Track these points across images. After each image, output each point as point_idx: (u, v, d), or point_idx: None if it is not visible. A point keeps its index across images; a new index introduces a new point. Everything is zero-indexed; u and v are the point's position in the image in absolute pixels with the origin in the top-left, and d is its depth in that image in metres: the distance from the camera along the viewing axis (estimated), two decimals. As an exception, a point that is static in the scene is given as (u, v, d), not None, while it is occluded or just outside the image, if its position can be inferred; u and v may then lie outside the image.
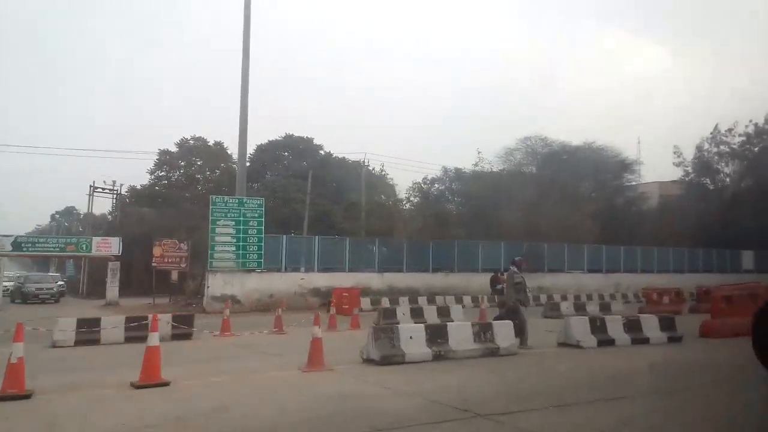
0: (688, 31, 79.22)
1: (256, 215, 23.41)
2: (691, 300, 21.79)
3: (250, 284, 23.17)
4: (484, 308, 16.52)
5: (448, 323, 9.57)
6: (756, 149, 41.93)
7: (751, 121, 41.23)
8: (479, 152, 52.70)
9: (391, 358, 7.96)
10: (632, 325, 10.57)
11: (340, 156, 46.71)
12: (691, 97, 76.35)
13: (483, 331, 8.93)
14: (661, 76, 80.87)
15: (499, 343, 8.90)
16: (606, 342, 10.08)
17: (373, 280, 26.09)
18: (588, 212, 35.73)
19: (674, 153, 46.08)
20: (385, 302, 22.43)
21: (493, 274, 29.29)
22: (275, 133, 54.53)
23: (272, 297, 23.09)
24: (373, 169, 44.95)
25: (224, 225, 22.73)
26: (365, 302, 22.24)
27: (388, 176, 46.80)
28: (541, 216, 33.69)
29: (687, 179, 46.16)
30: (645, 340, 10.47)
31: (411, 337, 8.18)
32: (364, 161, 42.33)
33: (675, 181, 47.05)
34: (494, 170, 40.83)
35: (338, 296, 20.42)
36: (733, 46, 78.03)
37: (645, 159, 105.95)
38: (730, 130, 42.71)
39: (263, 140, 46.01)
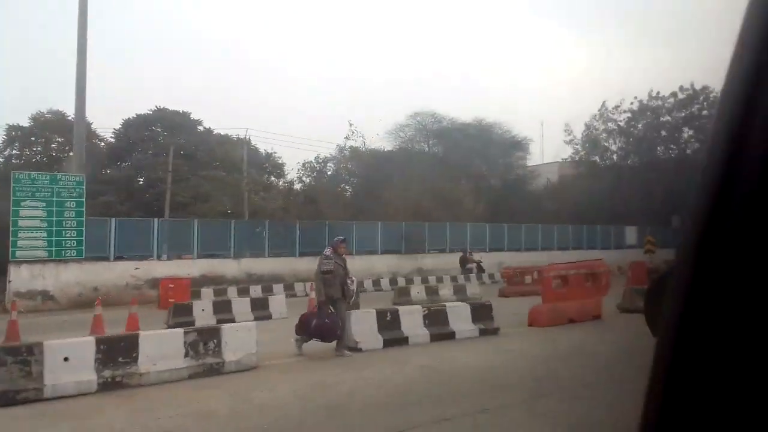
0: (593, 15, 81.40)
1: (75, 195, 19.74)
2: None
3: (67, 276, 19.54)
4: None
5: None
6: (639, 125, 42.49)
7: (636, 97, 41.67)
8: (351, 124, 47.56)
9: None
10: (435, 317, 8.52)
11: (223, 132, 43.01)
12: (594, 77, 78.31)
13: (204, 340, 6.43)
14: (564, 57, 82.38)
15: (226, 357, 6.48)
16: (396, 341, 7.99)
17: (229, 266, 23.17)
18: (476, 191, 34.48)
19: (565, 131, 46.15)
20: (232, 292, 19.66)
21: (462, 254, 28.05)
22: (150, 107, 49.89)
23: (97, 291, 19.65)
24: (265, 150, 41.80)
25: (31, 206, 18.92)
26: (207, 293, 19.35)
27: (276, 155, 43.73)
28: (427, 194, 31.98)
29: (576, 157, 46.39)
30: (449, 335, 8.50)
31: (67, 359, 5.52)
32: (246, 137, 38.96)
33: (569, 160, 47.24)
34: (386, 148, 38.82)
35: (164, 288, 17.40)
36: (631, 27, 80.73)
37: (548, 140, 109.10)
38: (617, 107, 43.02)
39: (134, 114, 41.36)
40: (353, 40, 76.94)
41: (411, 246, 28.14)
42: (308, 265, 24.98)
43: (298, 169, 41.85)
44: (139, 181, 38.72)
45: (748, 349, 0.56)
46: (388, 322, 7.99)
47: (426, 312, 8.41)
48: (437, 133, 39.05)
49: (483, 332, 8.72)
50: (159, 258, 21.70)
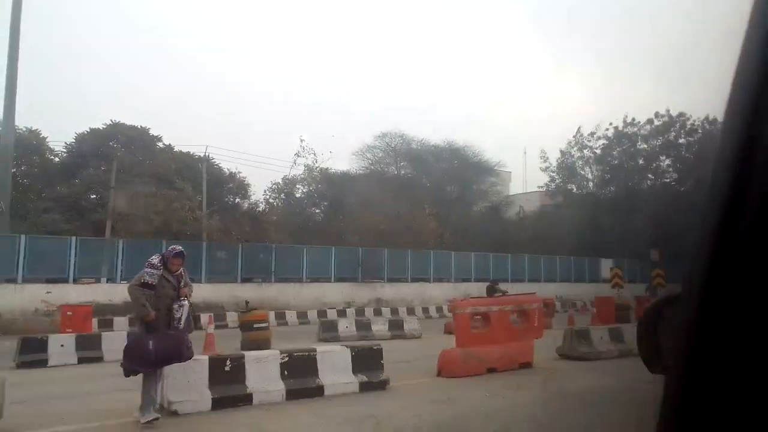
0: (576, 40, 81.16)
1: (-26, 208, 17.71)
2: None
3: (-41, 301, 17.36)
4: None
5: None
6: (615, 153, 41.22)
7: (611, 124, 40.50)
8: (302, 140, 44.11)
9: None
10: (298, 366, 6.53)
11: (185, 150, 41.12)
12: (577, 104, 77.81)
13: None
14: (546, 83, 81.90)
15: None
16: (234, 399, 5.98)
17: (157, 292, 21.02)
18: (444, 217, 32.71)
19: (540, 158, 44.82)
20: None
21: (489, 284, 26.35)
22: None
23: (0, 317, 17.47)
24: (228, 170, 39.89)
25: None
26: (121, 322, 17.20)
27: (241, 174, 41.81)
28: (391, 220, 30.13)
29: (552, 185, 44.98)
30: (315, 391, 6.50)
31: None
32: (206, 154, 37.06)
33: (545, 188, 45.79)
34: (351, 171, 37.11)
35: (63, 316, 15.24)
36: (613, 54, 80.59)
37: (532, 169, 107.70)
38: (592, 133, 41.83)
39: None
40: (325, 62, 75.86)
41: (369, 273, 26.16)
42: (252, 292, 22.96)
43: (265, 190, 40.08)
44: (91, 197, 36.57)
45: (760, 380, 0.54)
46: (227, 374, 5.97)
47: (285, 359, 6.39)
48: (407, 155, 37.49)
49: (365, 386, 6.71)
50: (75, 281, 19.55)
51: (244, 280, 23.31)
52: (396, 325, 15.23)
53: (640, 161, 41.48)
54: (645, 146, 40.07)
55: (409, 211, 29.57)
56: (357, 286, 25.54)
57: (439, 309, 25.16)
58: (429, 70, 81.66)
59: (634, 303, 20.40)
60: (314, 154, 30.00)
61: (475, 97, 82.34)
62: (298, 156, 30.41)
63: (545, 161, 44.76)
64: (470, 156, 38.77)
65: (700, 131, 39.12)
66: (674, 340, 0.65)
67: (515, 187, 55.47)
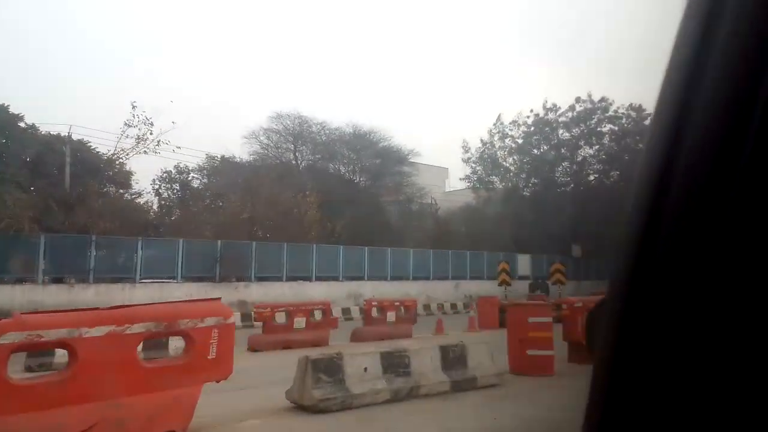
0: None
1: None
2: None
3: None
4: None
5: None
6: (534, 140, 38.38)
7: (531, 110, 37.67)
8: (134, 106, 28.31)
9: None
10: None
11: (55, 132, 35.61)
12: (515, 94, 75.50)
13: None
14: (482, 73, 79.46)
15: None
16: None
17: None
18: (335, 207, 28.74)
19: (462, 148, 41.65)
20: None
21: (532, 282, 26.87)
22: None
23: None
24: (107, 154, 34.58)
25: None
26: None
27: (121, 160, 36.62)
28: (269, 210, 25.91)
29: (475, 177, 41.88)
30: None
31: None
32: (69, 134, 31.78)
33: (466, 180, 42.66)
34: (242, 156, 32.67)
35: None
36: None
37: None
38: (514, 121, 38.89)
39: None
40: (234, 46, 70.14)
41: (230, 271, 21.91)
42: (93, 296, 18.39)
43: (154, 180, 35.09)
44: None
45: (678, 370, 0.58)
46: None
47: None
48: (309, 140, 33.37)
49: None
50: None
51: (56, 280, 18.66)
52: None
53: (563, 150, 38.86)
54: (567, 135, 37.42)
55: (290, 200, 25.48)
56: (213, 287, 21.23)
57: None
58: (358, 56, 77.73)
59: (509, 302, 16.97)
60: (150, 124, 25.36)
61: (408, 88, 78.92)
62: (129, 126, 25.67)
63: (467, 152, 41.69)
64: (377, 141, 34.97)
65: (624, 119, 36.79)
66: (601, 332, 0.67)
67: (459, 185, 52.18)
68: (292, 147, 33.05)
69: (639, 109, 35.78)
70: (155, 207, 33.27)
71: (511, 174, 40.72)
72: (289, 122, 32.64)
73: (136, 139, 25.29)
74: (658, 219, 0.60)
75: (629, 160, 38.98)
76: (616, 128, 36.65)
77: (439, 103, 78.29)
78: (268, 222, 24.45)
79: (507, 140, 39.68)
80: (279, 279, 23.49)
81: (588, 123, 36.31)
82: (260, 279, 22.88)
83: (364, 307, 13.08)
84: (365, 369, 5.80)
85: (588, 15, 69.19)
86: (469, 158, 41.52)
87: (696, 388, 0.55)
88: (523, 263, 34.34)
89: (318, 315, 12.54)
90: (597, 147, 37.66)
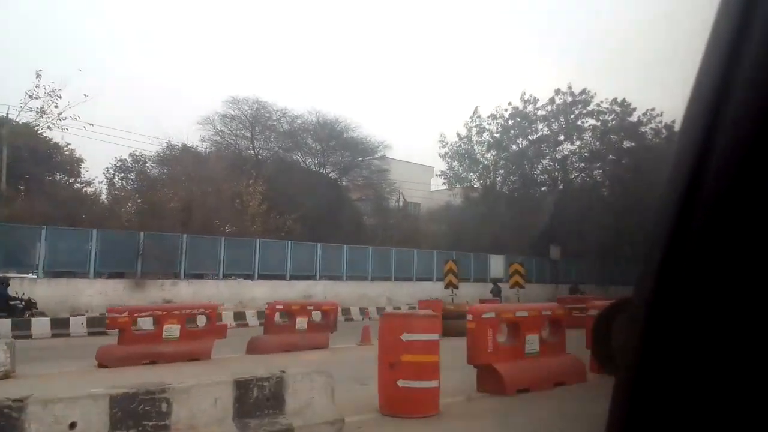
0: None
1: None
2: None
3: None
4: None
5: None
6: (510, 134, 36.06)
7: (510, 103, 35.37)
8: (38, 75, 24.46)
9: None
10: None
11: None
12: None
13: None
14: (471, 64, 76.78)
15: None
16: None
17: None
18: (292, 201, 26.40)
19: (439, 142, 39.31)
20: None
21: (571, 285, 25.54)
22: None
23: None
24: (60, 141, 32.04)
25: None
26: None
27: (69, 146, 34.03)
28: (211, 200, 23.56)
29: (450, 173, 39.55)
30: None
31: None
32: (6, 116, 29.24)
33: (441, 176, 40.35)
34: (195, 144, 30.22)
35: None
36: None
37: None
38: (493, 115, 36.59)
39: None
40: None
41: (154, 267, 19.53)
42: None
43: (107, 168, 32.58)
44: None
45: (708, 383, 0.56)
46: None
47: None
48: (272, 128, 30.96)
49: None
50: None
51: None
52: None
53: (543, 147, 36.61)
54: (546, 131, 35.14)
55: (232, 189, 23.11)
56: (133, 286, 18.82)
57: (261, 314, 18.86)
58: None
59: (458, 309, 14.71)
60: (57, 97, 22.90)
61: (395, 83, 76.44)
62: (32, 97, 23.19)
63: (443, 146, 39.34)
64: (343, 131, 32.61)
65: (607, 114, 34.58)
66: (624, 342, 0.66)
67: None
68: (248, 134, 30.62)
69: (623, 104, 33.64)
70: (104, 197, 30.93)
71: (489, 171, 38.43)
72: (246, 107, 30.26)
73: (37, 111, 22.69)
74: (688, 222, 0.58)
75: (614, 160, 36.86)
76: (599, 124, 34.44)
77: (415, 96, 75.27)
78: (207, 213, 22.03)
79: (485, 135, 37.39)
80: (215, 276, 21.13)
81: (568, 117, 34.08)
82: (193, 276, 20.50)
83: (266, 311, 10.78)
84: (72, 425, 3.52)
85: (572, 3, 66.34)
86: (445, 153, 39.21)
87: (733, 399, 0.53)
88: (497, 265, 32.06)
89: (203, 321, 10.21)
90: (578, 143, 35.46)
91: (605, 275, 38.00)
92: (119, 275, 19.34)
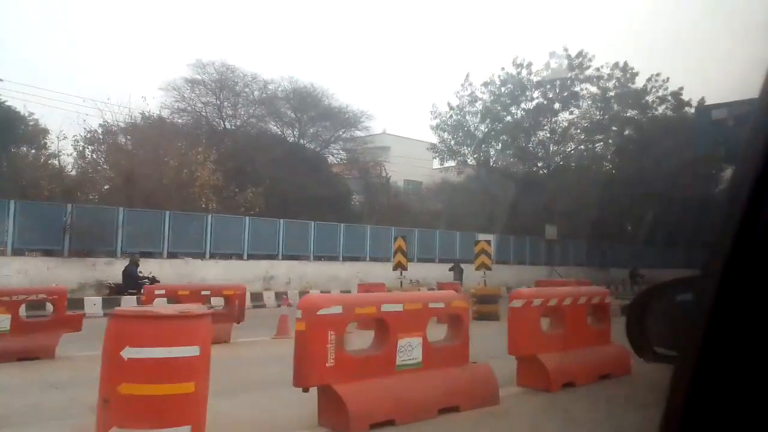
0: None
1: None
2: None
3: None
4: None
5: None
6: (506, 102, 33.26)
7: (503, 69, 32.53)
8: None
9: None
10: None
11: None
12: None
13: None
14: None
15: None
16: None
17: None
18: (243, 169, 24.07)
19: (431, 113, 36.62)
20: None
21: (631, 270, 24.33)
22: None
23: None
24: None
25: None
26: None
27: (33, 115, 31.78)
28: (157, 171, 21.27)
29: (443, 147, 36.90)
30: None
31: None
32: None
33: (430, 149, 37.70)
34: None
35: None
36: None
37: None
38: (486, 83, 33.80)
39: None
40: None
41: (83, 243, 17.38)
42: None
43: (76, 139, 30.33)
44: None
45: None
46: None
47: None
48: (232, 92, 28.44)
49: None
50: None
51: None
52: None
53: (541, 119, 33.85)
54: (542, 98, 32.32)
55: (180, 158, 20.79)
56: (60, 263, 16.71)
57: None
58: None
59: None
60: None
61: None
62: None
63: (435, 117, 36.65)
64: (321, 99, 30.07)
65: (607, 80, 31.68)
66: (679, 328, 0.67)
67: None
68: (215, 101, 28.16)
69: (625, 69, 30.72)
70: (71, 169, 28.76)
71: (483, 144, 35.77)
72: (213, 71, 27.77)
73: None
74: (758, 210, 0.57)
75: (617, 131, 34.10)
76: (598, 91, 31.58)
77: (405, 64, 71.30)
78: (149, 185, 19.75)
79: (478, 104, 34.65)
80: (159, 255, 18.94)
81: (566, 83, 31.25)
82: (131, 255, 18.31)
83: (141, 297, 8.58)
84: None
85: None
86: (437, 126, 36.53)
87: None
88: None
89: (50, 308, 7.99)
90: (577, 113, 32.70)
91: (607, 257, 35.65)
92: (47, 253, 17.22)
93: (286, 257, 21.67)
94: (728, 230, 0.59)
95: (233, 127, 28.50)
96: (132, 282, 15.19)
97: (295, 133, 30.67)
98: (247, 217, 21.09)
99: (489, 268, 15.61)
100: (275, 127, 30.01)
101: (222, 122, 28.20)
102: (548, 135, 34.07)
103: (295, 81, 29.10)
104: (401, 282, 17.21)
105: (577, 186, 33.49)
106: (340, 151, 32.76)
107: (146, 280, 15.00)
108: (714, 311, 0.58)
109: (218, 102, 28.14)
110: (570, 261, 33.78)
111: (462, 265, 22.98)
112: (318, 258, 22.79)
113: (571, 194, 33.31)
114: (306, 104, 29.93)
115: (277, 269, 20.98)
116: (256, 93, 28.60)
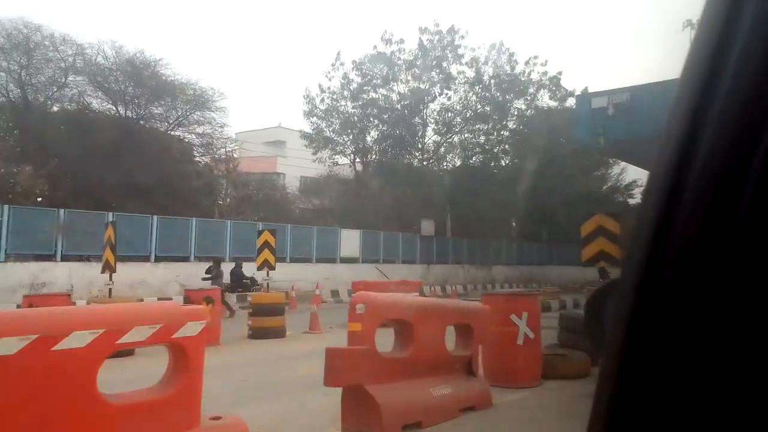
0: None
1: None
2: None
3: None
4: None
5: None
6: (378, 83, 30.10)
7: (375, 47, 29.34)
8: None
9: None
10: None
11: None
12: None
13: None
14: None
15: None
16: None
17: None
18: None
19: (303, 98, 32.81)
20: None
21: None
22: None
23: None
24: None
25: None
26: None
27: None
28: None
29: (319, 137, 33.22)
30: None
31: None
32: None
33: (304, 136, 33.91)
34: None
35: None
36: None
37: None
38: (355, 63, 30.39)
39: None
40: None
41: None
42: None
43: None
44: None
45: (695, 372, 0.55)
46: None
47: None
48: (40, 58, 23.17)
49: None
50: None
51: None
52: None
53: (419, 106, 31.01)
54: (415, 81, 29.42)
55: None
56: None
57: None
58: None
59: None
60: None
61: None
62: None
63: (308, 103, 32.87)
64: (155, 71, 25.42)
65: (485, 62, 29.32)
66: (611, 328, 0.61)
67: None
68: (15, 67, 22.77)
69: (500, 50, 28.51)
70: None
71: (360, 132, 32.46)
72: (11, 29, 22.38)
73: None
74: (673, 215, 0.56)
75: (498, 120, 31.94)
76: (473, 73, 29.16)
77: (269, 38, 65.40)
78: None
79: (353, 87, 31.27)
80: None
81: (441, 64, 28.53)
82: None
83: None
84: None
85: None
86: (309, 111, 32.80)
87: (722, 393, 0.51)
88: (351, 241, 26.23)
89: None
90: (454, 99, 30.13)
91: (489, 254, 33.58)
92: None
93: (66, 258, 17.07)
94: (645, 226, 0.57)
95: (42, 100, 23.29)
96: (238, 281, 17.03)
97: (128, 112, 25.80)
98: (6, 206, 16.22)
99: (272, 267, 11.96)
100: (99, 102, 25.02)
101: (24, 95, 22.87)
102: (427, 122, 31.30)
103: (119, 48, 24.28)
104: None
105: (457, 179, 31.10)
106: (189, 135, 28.21)
107: (248, 281, 17.10)
108: (634, 311, 0.56)
109: (18, 69, 22.79)
110: (449, 259, 31.30)
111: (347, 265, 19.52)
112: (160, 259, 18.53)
113: (450, 188, 30.83)
114: (142, 77, 25.19)
115: (52, 271, 16.37)
116: (70, 60, 23.51)
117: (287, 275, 20.99)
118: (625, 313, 0.59)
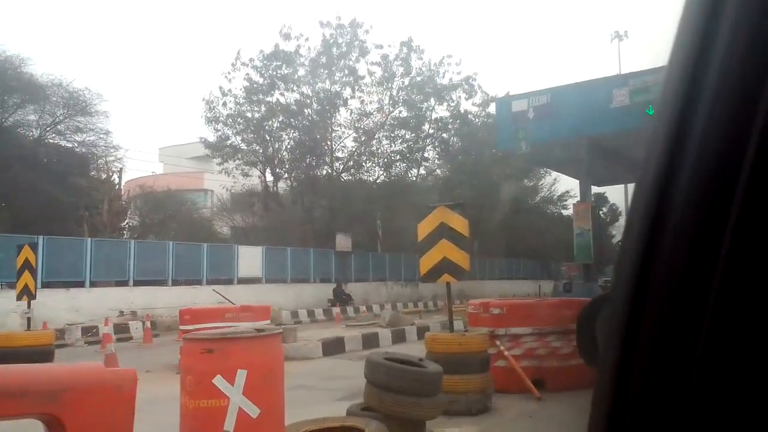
0: None
1: None
2: None
3: None
4: None
5: None
6: (280, 84, 27.31)
7: (261, 51, 26.50)
8: None
9: None
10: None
11: None
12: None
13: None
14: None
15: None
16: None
17: None
18: None
19: (205, 103, 29.49)
20: None
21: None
22: None
23: None
24: None
25: None
26: None
27: None
28: None
29: (224, 144, 30.00)
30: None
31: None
32: None
33: (203, 143, 30.69)
34: None
35: None
36: None
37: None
38: (252, 61, 27.32)
39: None
40: None
41: None
42: None
43: None
44: None
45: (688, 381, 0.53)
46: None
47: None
48: None
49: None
50: None
51: None
52: None
53: (328, 108, 28.42)
54: (316, 80, 26.77)
55: None
56: None
57: None
58: None
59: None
60: None
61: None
62: None
63: (211, 110, 29.61)
64: (19, 70, 21.83)
65: (394, 59, 27.01)
66: (604, 339, 0.61)
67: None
68: None
69: (410, 47, 26.28)
70: None
71: (266, 139, 29.52)
72: None
73: None
74: (663, 221, 0.56)
75: (416, 126, 29.78)
76: (382, 72, 26.85)
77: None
78: None
79: (256, 88, 28.37)
80: None
81: (347, 61, 26.08)
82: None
83: None
84: None
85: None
86: (211, 117, 29.58)
87: (717, 401, 0.51)
88: (251, 259, 23.13)
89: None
90: (366, 101, 27.71)
91: (416, 270, 31.20)
92: None
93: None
94: (634, 238, 0.57)
95: None
96: (338, 297, 22.28)
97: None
98: None
99: (33, 296, 8.86)
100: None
101: None
102: (341, 128, 28.77)
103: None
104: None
105: (390, 192, 28.61)
106: (66, 142, 24.56)
107: (345, 297, 22.69)
108: (626, 322, 0.56)
109: None
110: (369, 276, 28.67)
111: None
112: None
113: (380, 201, 28.34)
114: (5, 75, 21.55)
115: None
116: None
117: (168, 301, 17.95)
118: (618, 327, 0.57)
